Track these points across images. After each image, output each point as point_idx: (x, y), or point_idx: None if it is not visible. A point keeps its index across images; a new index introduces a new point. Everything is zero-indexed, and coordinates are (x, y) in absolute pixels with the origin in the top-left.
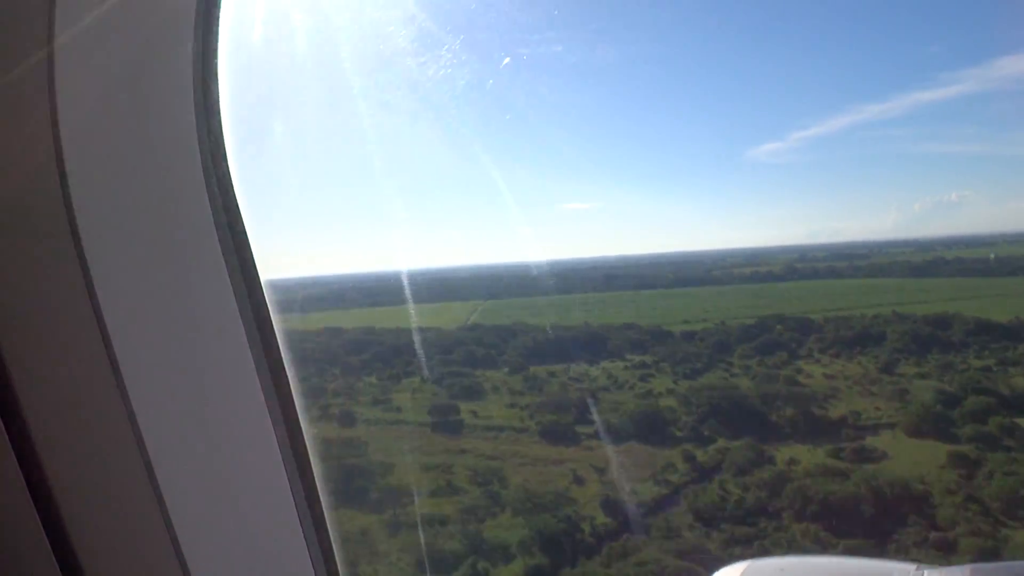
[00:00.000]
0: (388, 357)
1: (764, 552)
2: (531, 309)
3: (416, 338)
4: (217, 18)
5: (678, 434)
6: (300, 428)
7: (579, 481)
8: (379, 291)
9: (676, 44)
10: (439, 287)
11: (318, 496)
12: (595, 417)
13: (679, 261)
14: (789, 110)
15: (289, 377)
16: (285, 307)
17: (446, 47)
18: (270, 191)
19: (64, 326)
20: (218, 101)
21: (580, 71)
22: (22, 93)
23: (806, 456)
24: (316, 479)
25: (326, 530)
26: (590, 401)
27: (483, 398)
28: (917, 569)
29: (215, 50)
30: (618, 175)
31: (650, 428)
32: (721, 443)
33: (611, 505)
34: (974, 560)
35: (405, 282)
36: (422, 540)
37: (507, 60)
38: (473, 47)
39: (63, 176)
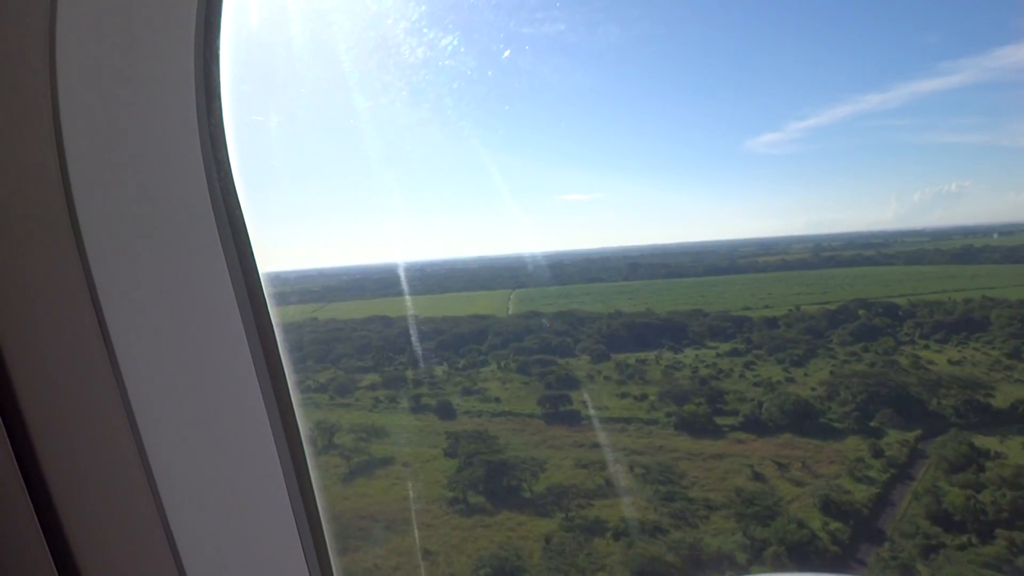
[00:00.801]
0: (454, 345)
1: None
2: (571, 297)
3: (471, 326)
4: (219, 9)
5: (839, 426)
6: (296, 424)
7: (759, 478)
8: (394, 282)
9: (672, 35)
10: (458, 277)
11: (313, 493)
12: (726, 408)
13: (697, 251)
14: (787, 100)
15: (286, 372)
16: (309, 297)
17: (448, 37)
18: (271, 183)
19: (63, 318)
20: (219, 88)
21: (580, 59)
22: (22, 84)
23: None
24: (311, 475)
25: (321, 530)
26: (704, 390)
27: (581, 387)
28: None
29: (217, 37)
30: (616, 167)
31: (799, 419)
32: (896, 435)
33: (833, 506)
34: None
35: (415, 273)
36: (649, 552)
37: (507, 53)
38: (475, 30)
39: (63, 167)
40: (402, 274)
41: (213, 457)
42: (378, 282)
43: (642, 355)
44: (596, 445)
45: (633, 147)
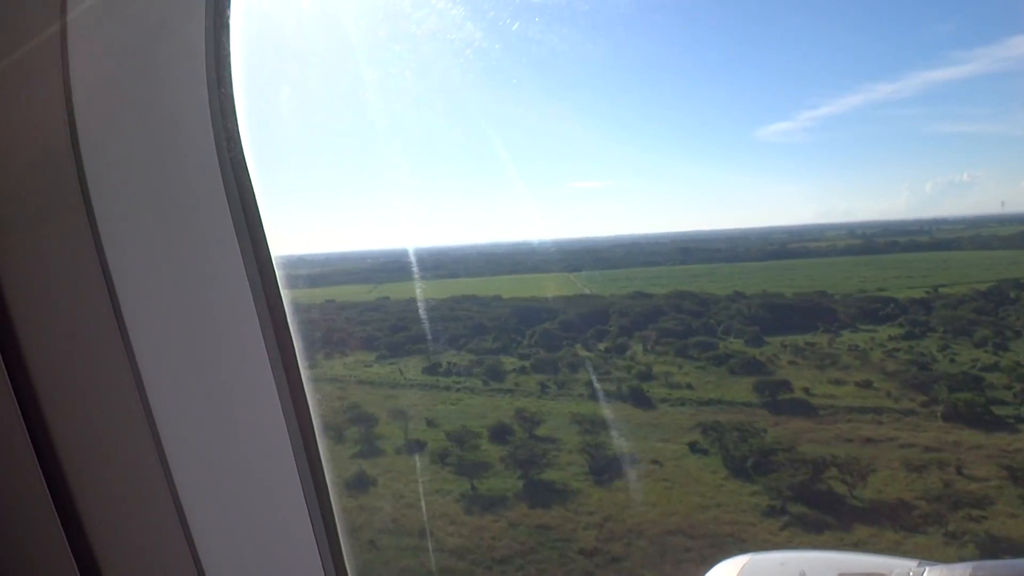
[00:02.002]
0: (576, 326)
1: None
2: (650, 279)
3: (580, 307)
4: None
5: None
6: (308, 406)
7: None
8: (437, 265)
9: (684, 22)
10: (504, 260)
11: (327, 486)
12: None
13: (731, 237)
14: (799, 89)
15: (299, 359)
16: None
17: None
18: (284, 169)
19: (78, 301)
20: (230, 64)
21: (588, 41)
22: (36, 77)
23: None
24: (323, 464)
25: (335, 524)
26: (929, 376)
27: (774, 372)
28: (919, 565)
29: (227, 25)
30: (626, 154)
31: None
32: None
33: None
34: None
35: (446, 257)
36: None
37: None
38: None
39: (76, 147)
40: (424, 258)
41: (226, 440)
42: (424, 264)
43: (808, 338)
44: (847, 440)
45: (642, 135)
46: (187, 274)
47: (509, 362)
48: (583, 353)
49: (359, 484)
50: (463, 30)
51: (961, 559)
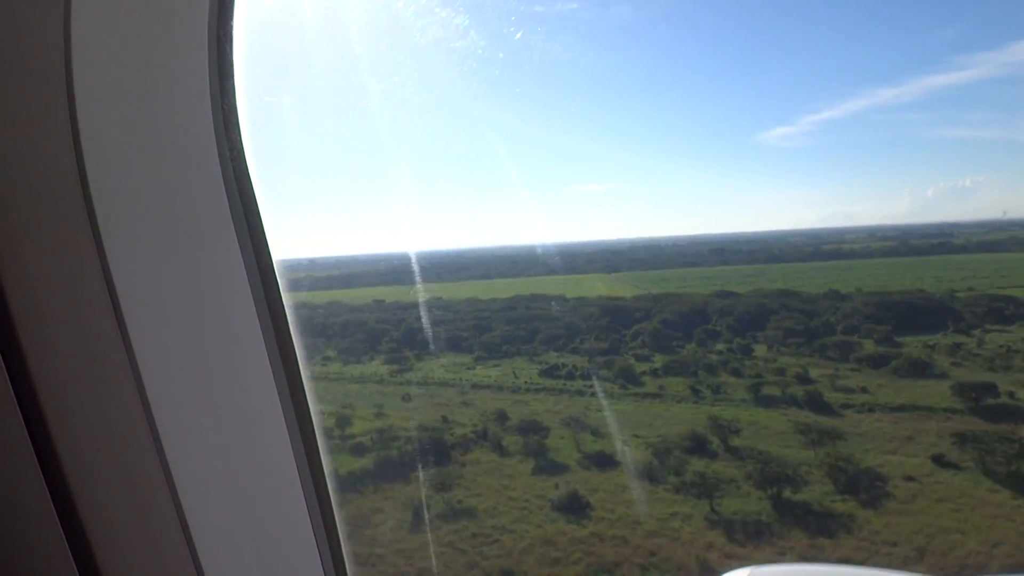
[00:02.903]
0: (675, 326)
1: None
2: (700, 280)
3: (678, 307)
4: None
5: None
6: (308, 407)
7: None
8: (468, 266)
9: (685, 28)
10: (521, 262)
11: (327, 487)
12: None
13: (750, 239)
14: (800, 94)
15: (300, 362)
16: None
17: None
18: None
19: (78, 303)
20: (232, 69)
21: (591, 38)
22: (37, 68)
23: None
24: (323, 465)
25: (335, 525)
26: None
27: (949, 376)
28: None
29: (230, 19)
30: (628, 157)
31: None
32: None
33: None
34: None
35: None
36: None
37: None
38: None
39: (78, 150)
40: (438, 260)
41: (226, 442)
42: (453, 266)
43: (949, 338)
44: None
45: (643, 139)
46: (188, 278)
47: (632, 363)
48: (709, 354)
49: (574, 508)
50: (467, 39)
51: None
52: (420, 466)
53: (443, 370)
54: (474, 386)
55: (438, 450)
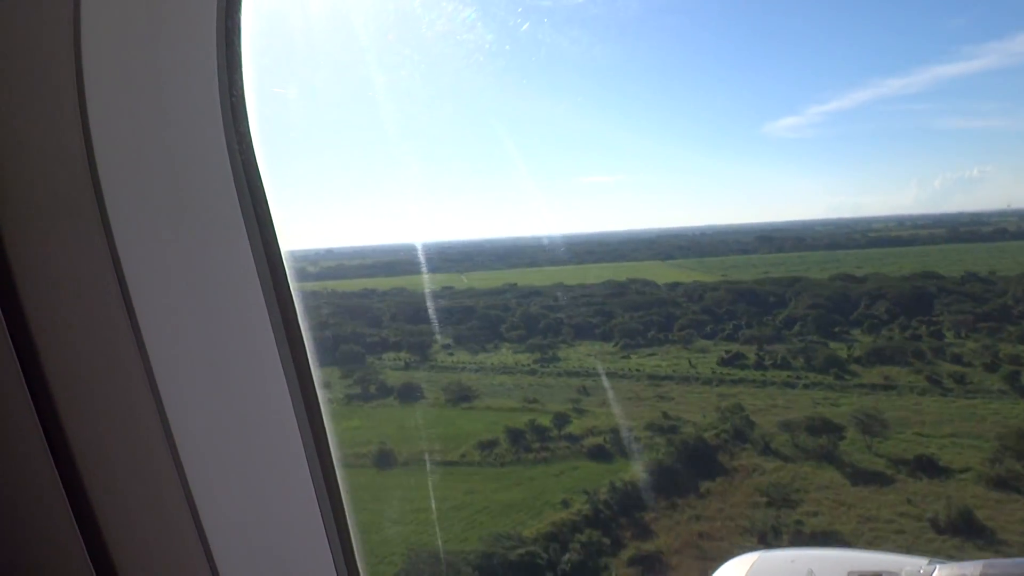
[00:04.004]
0: (835, 309)
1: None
2: (770, 265)
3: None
4: None
5: None
6: (317, 397)
7: None
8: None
9: (690, 18)
10: (558, 251)
11: (337, 481)
12: None
13: (780, 228)
14: (807, 84)
15: (310, 354)
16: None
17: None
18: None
19: (93, 304)
20: (241, 61)
21: (597, 30)
22: (49, 78)
23: None
24: (331, 450)
25: (345, 519)
26: None
27: None
28: (929, 563)
29: (238, 25)
30: (635, 149)
31: None
32: None
33: None
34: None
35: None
36: None
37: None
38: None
39: (88, 142)
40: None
41: (237, 435)
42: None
43: None
44: None
45: (650, 131)
46: (198, 270)
47: (836, 351)
48: (911, 341)
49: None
50: (474, 30)
51: (971, 556)
52: (702, 475)
53: (593, 359)
54: (651, 377)
55: (703, 454)
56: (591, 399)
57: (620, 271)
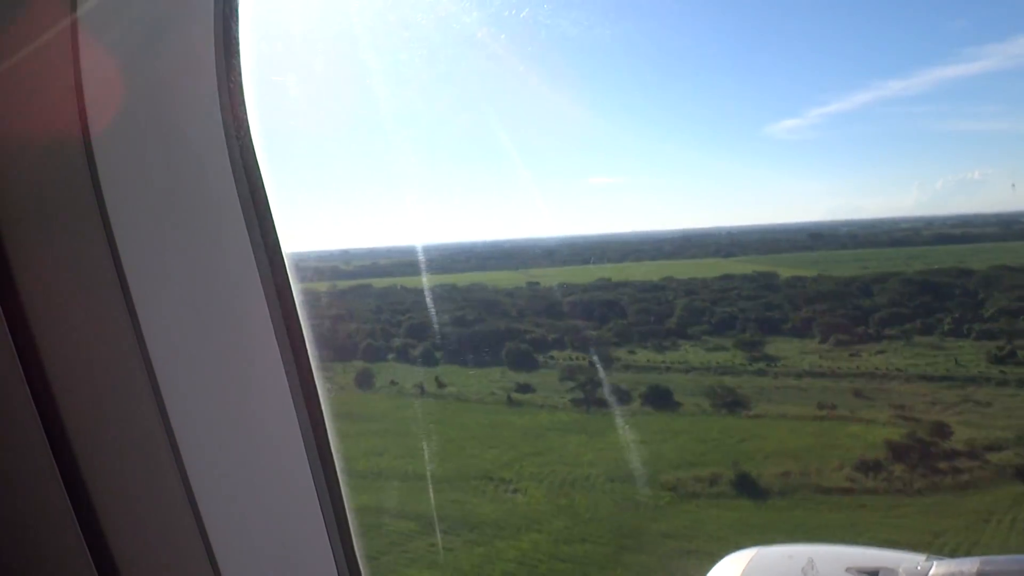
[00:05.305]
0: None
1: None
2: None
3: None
4: None
5: None
6: (321, 408)
7: None
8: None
9: (689, 18)
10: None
11: (338, 481)
12: None
13: (802, 228)
14: (807, 86)
15: (311, 354)
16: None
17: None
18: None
19: (93, 304)
20: (239, 49)
21: (596, 25)
22: (47, 75)
23: None
24: (335, 459)
25: (347, 519)
26: None
27: None
28: (927, 559)
29: (236, 19)
30: (637, 150)
31: None
32: None
33: None
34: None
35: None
36: None
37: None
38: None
39: (90, 153)
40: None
41: (239, 435)
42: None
43: None
44: None
45: (650, 130)
46: (199, 268)
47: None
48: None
49: None
50: (479, 32)
51: (969, 553)
52: None
53: (813, 357)
54: (923, 378)
55: None
56: (875, 403)
57: (736, 266)
